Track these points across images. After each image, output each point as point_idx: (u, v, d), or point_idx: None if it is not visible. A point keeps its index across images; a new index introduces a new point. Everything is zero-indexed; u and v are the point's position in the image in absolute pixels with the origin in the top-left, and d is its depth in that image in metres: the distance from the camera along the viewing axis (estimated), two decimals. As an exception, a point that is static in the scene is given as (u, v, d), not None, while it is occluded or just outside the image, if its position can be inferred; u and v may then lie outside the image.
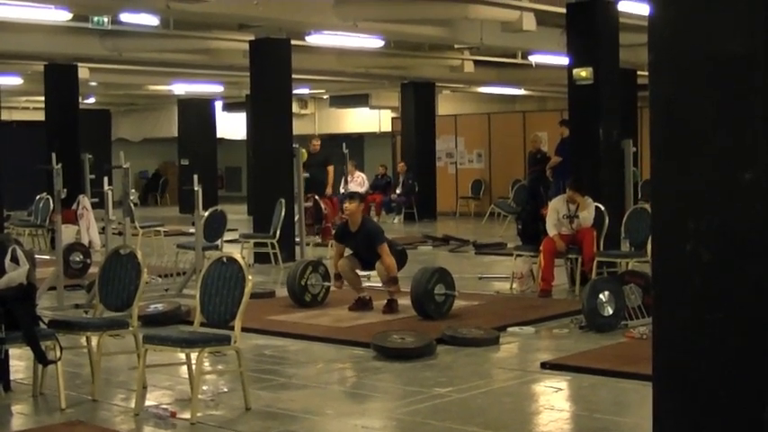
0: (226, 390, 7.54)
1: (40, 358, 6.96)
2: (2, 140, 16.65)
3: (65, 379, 7.02)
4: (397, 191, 24.37)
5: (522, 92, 28.60)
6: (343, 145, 18.44)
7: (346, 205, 10.88)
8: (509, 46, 18.77)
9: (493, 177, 25.94)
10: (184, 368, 7.36)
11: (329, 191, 18.11)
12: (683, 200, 3.85)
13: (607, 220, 11.98)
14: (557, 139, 18.13)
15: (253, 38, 16.15)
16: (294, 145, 15.88)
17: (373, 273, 11.01)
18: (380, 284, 10.80)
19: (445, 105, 29.59)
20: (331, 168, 18.25)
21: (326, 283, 11.26)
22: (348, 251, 10.92)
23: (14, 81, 23.18)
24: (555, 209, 11.92)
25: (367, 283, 11.36)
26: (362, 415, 6.99)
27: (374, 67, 21.70)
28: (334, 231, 12.23)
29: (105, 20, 14.71)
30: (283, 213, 14.84)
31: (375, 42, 17.30)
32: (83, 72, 20.42)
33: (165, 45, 17.87)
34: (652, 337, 4.04)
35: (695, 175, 3.81)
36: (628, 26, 13.93)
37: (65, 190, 11.21)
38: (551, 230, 11.74)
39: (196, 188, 11.86)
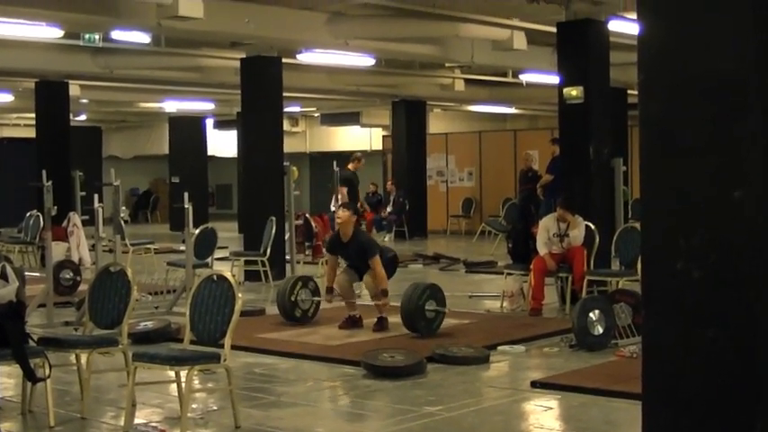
0: (215, 408, 7.52)
1: (29, 376, 6.93)
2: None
3: (54, 397, 7.00)
4: (388, 209, 24.39)
5: (512, 110, 28.66)
6: (334, 163, 18.44)
7: (338, 213, 10.86)
8: (500, 65, 18.81)
9: (483, 196, 25.97)
10: (174, 386, 7.34)
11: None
12: (673, 218, 3.86)
13: (597, 239, 11.99)
14: (548, 157, 18.16)
15: (244, 55, 16.17)
16: (285, 163, 15.88)
17: (363, 289, 11.00)
18: (370, 301, 10.78)
19: (436, 124, 29.65)
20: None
21: (316, 299, 11.25)
22: (343, 263, 10.90)
23: (5, 98, 23.18)
24: (545, 227, 11.93)
25: (358, 301, 11.34)
26: (352, 433, 6.98)
27: (365, 85, 21.73)
28: (325, 241, 12.15)
29: (96, 37, 14.71)
30: (274, 231, 14.83)
31: (366, 60, 17.32)
32: (74, 89, 20.42)
33: (156, 62, 17.89)
34: (642, 356, 4.03)
35: (685, 193, 3.82)
36: (618, 45, 13.98)
37: (55, 207, 11.20)
38: (542, 249, 11.75)
39: (187, 206, 11.85)
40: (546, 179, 17.44)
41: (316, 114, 31.48)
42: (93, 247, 12.66)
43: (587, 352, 9.30)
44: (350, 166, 18.86)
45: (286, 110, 20.54)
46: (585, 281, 11.58)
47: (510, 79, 21.11)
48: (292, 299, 11.09)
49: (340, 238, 10.77)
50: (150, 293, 13.22)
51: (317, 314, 11.28)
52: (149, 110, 28.81)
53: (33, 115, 21.02)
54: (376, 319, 10.62)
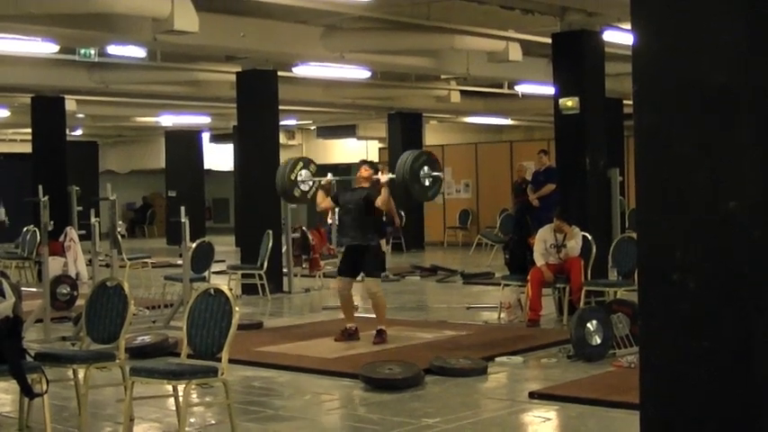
0: (213, 422, 7.50)
1: (27, 391, 6.91)
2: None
3: (51, 412, 6.97)
4: (384, 218, 24.32)
5: (508, 122, 28.68)
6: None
7: (360, 170, 10.82)
8: (495, 76, 18.83)
9: (480, 207, 25.98)
10: (172, 400, 7.33)
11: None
12: (669, 228, 3.86)
13: (594, 250, 11.99)
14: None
15: (240, 69, 16.19)
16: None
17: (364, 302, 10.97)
18: (368, 314, 10.75)
19: (432, 135, 29.63)
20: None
21: (317, 179, 11.09)
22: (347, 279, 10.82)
23: (1, 113, 23.17)
24: (542, 238, 11.93)
25: (355, 314, 11.32)
26: (351, 446, 6.96)
27: (361, 97, 21.75)
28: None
29: (92, 52, 14.73)
30: (271, 244, 14.82)
31: (362, 73, 17.35)
32: (70, 104, 20.43)
33: (152, 77, 17.89)
34: (639, 366, 4.03)
35: (681, 203, 3.82)
36: (613, 56, 14.00)
37: (52, 222, 11.19)
38: (539, 260, 11.75)
39: (183, 220, 11.85)
40: (548, 188, 17.23)
41: (312, 127, 31.49)
42: (89, 262, 12.66)
43: (585, 362, 9.30)
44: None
45: (282, 123, 20.57)
46: (583, 291, 11.58)
47: (506, 91, 21.13)
48: (292, 177, 10.90)
49: (351, 185, 10.63)
50: (147, 308, 13.21)
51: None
52: (145, 124, 28.83)
53: (29, 130, 21.01)
54: (375, 332, 10.60)
